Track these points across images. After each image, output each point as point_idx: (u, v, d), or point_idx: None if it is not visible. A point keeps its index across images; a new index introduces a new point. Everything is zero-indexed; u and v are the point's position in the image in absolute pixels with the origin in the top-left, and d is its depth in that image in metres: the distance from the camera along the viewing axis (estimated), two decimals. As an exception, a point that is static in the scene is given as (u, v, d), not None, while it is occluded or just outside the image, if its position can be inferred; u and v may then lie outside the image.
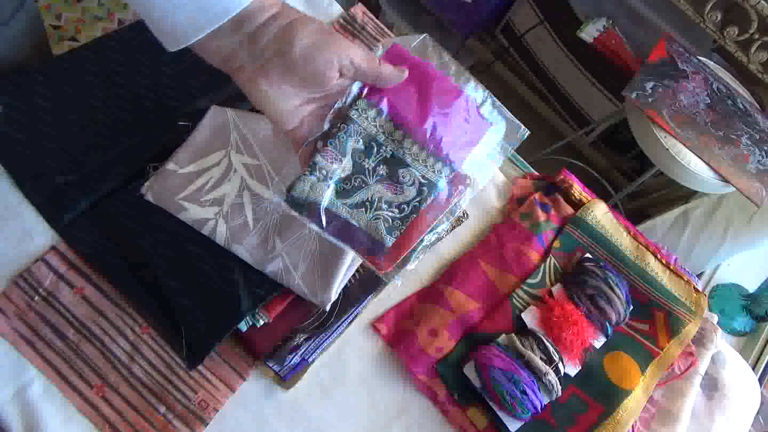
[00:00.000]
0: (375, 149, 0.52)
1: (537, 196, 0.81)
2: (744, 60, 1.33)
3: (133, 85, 0.73)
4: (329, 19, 0.87)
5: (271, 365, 0.63)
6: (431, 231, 0.54)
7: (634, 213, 1.68)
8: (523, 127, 0.55)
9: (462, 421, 0.68)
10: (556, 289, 0.75)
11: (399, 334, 0.70)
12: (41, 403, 0.58)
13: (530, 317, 0.72)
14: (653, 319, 0.76)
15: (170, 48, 0.45)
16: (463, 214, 0.78)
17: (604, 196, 0.86)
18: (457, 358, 0.69)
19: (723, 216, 1.35)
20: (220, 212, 0.65)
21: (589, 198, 0.83)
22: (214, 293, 0.62)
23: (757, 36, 1.28)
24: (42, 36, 0.79)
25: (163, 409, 0.60)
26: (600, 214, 0.81)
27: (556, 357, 0.68)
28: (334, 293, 0.64)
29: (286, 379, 0.64)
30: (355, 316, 0.70)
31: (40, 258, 0.62)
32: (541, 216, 0.79)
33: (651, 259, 0.80)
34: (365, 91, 0.51)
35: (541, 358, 0.68)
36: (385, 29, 0.89)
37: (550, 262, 0.77)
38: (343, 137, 0.50)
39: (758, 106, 1.33)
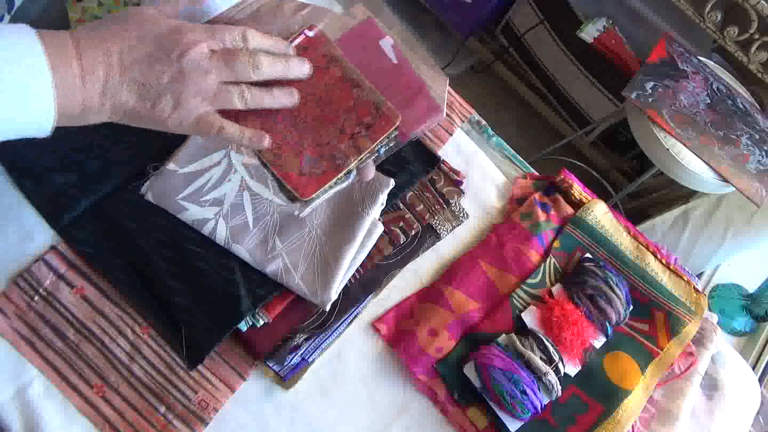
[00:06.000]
0: None
1: (537, 196, 0.81)
2: (744, 60, 1.33)
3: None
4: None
5: (271, 365, 0.63)
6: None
7: (634, 213, 1.67)
8: None
9: (462, 421, 0.68)
10: (556, 289, 0.75)
11: (399, 334, 0.70)
12: (41, 403, 0.58)
13: (530, 317, 0.72)
14: (653, 319, 0.76)
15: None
16: (463, 214, 0.78)
17: (604, 196, 0.86)
18: (457, 358, 0.69)
19: (723, 216, 1.35)
20: (220, 212, 0.65)
21: (589, 198, 0.83)
22: (214, 293, 0.62)
23: (757, 36, 1.28)
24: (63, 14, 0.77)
25: (163, 409, 0.60)
26: (600, 214, 0.81)
27: (556, 357, 0.68)
28: (334, 293, 0.64)
29: (286, 379, 0.64)
30: (355, 316, 0.70)
31: (40, 258, 0.62)
32: (541, 216, 0.79)
33: (651, 259, 0.80)
34: None
35: (541, 358, 0.68)
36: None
37: (550, 262, 0.77)
38: None
39: (758, 106, 1.33)
